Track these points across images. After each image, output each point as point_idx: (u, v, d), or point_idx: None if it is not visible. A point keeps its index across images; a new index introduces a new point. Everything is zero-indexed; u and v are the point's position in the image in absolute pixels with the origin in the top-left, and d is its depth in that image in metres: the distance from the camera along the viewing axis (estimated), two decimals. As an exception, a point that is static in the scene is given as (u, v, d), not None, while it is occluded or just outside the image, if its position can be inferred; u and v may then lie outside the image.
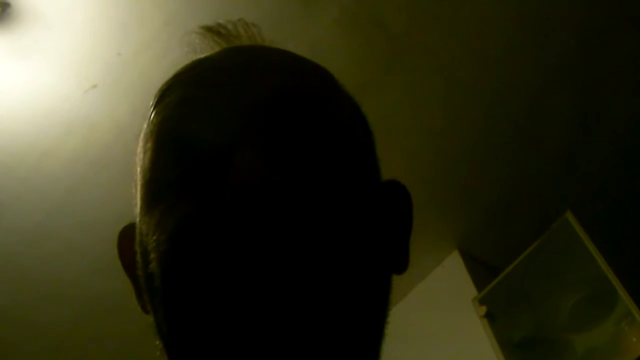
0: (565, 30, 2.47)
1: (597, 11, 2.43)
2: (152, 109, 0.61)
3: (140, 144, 0.62)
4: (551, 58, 2.53)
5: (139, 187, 0.61)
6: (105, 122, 2.29)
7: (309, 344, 0.47)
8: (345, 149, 0.56)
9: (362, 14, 2.26)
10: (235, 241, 0.47)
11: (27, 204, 2.42)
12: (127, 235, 0.65)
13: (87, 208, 2.48)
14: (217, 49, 0.67)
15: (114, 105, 2.26)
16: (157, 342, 0.56)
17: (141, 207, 0.59)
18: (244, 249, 0.47)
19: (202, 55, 0.65)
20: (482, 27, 2.39)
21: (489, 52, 2.47)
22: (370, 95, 2.37)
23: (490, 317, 2.65)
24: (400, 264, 0.64)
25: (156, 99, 0.61)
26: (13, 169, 2.32)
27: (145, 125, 0.62)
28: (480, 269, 3.07)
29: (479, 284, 2.87)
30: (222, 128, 0.53)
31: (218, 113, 0.54)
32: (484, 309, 2.66)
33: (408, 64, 2.43)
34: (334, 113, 0.58)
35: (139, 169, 0.62)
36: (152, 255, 0.53)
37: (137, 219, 0.60)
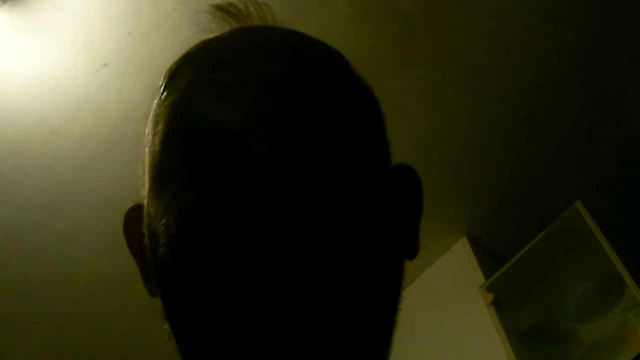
0: (579, 20, 2.45)
1: (612, 0, 2.42)
2: (162, 90, 0.60)
3: (149, 124, 0.62)
4: (565, 47, 2.52)
5: (147, 169, 0.60)
6: (116, 101, 2.29)
7: (323, 332, 0.47)
8: (357, 135, 0.56)
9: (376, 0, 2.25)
10: (247, 227, 0.47)
11: (36, 182, 2.42)
12: (133, 216, 0.65)
13: (96, 187, 2.49)
14: (227, 28, 0.66)
15: (125, 84, 2.26)
16: (165, 327, 0.56)
17: (149, 189, 0.58)
18: (256, 235, 0.47)
19: (213, 35, 0.64)
20: (495, 15, 2.38)
21: (503, 40, 2.46)
22: (382, 80, 2.36)
23: (497, 304, 2.64)
24: (411, 249, 0.64)
25: (166, 80, 0.61)
26: (23, 147, 2.33)
27: (154, 105, 0.61)
28: (488, 257, 3.06)
29: (487, 271, 2.86)
30: (233, 112, 0.53)
31: (230, 97, 0.54)
32: (491, 297, 2.66)
33: (421, 51, 2.42)
34: (346, 98, 0.57)
35: (147, 150, 0.61)
36: (161, 240, 0.53)
37: (145, 201, 0.59)
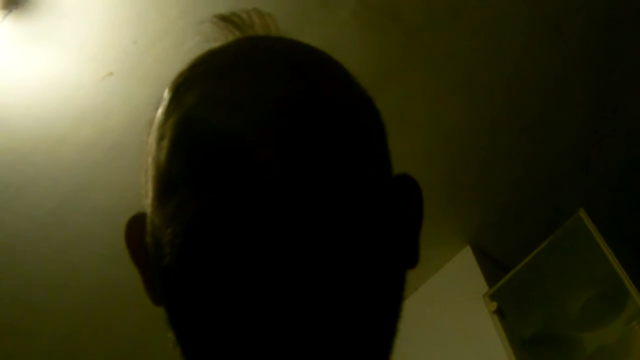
0: (582, 26, 2.46)
1: (615, 5, 2.42)
2: (167, 102, 0.61)
3: (153, 136, 0.62)
4: (568, 53, 2.52)
5: (150, 178, 0.61)
6: (121, 110, 2.30)
7: (325, 344, 0.47)
8: (359, 147, 0.56)
9: (379, 8, 2.25)
10: (252, 237, 0.47)
11: (42, 190, 2.43)
12: (135, 225, 0.65)
13: (101, 195, 2.49)
14: (230, 38, 0.66)
15: (130, 93, 2.26)
16: (170, 335, 0.56)
17: (154, 199, 0.58)
18: (263, 244, 0.47)
19: (216, 46, 0.64)
20: (498, 22, 2.38)
21: (506, 47, 2.46)
22: (385, 88, 2.37)
23: (500, 313, 2.64)
24: (411, 258, 0.64)
25: (171, 93, 0.61)
26: (28, 155, 2.33)
27: (158, 117, 0.61)
28: (492, 265, 3.06)
29: (490, 279, 2.86)
30: (239, 126, 0.53)
31: (235, 112, 0.54)
32: (494, 305, 2.66)
33: (424, 59, 2.43)
34: (349, 112, 0.58)
35: (150, 160, 0.62)
36: (167, 249, 0.53)
37: (149, 210, 0.60)
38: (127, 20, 2.12)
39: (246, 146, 0.52)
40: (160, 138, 0.59)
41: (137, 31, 2.15)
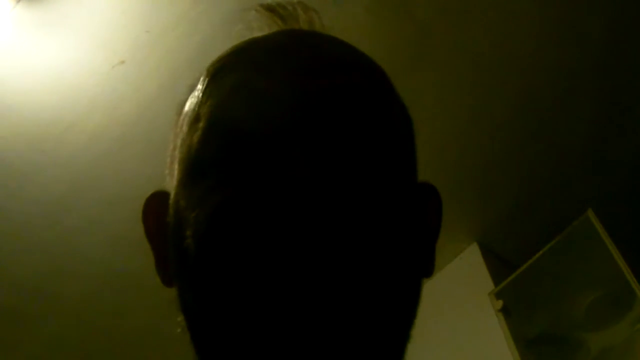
0: (594, 28, 2.45)
1: (627, 8, 2.41)
2: (204, 86, 0.61)
3: (187, 117, 0.62)
4: (579, 54, 2.52)
5: (179, 160, 0.60)
6: (131, 99, 2.30)
7: (342, 341, 0.47)
8: (392, 153, 0.57)
9: (392, 4, 2.25)
10: (277, 231, 0.47)
11: (50, 177, 2.43)
12: (154, 202, 0.65)
13: (109, 183, 2.49)
14: (274, 28, 0.67)
15: (141, 82, 2.26)
16: (180, 319, 0.56)
17: (180, 180, 0.58)
18: (285, 240, 0.47)
19: (259, 34, 0.65)
20: (511, 20, 2.38)
21: (518, 47, 2.45)
22: (396, 84, 2.36)
23: (506, 311, 2.64)
24: (428, 267, 0.65)
25: (209, 76, 0.61)
26: (37, 141, 2.34)
27: (196, 96, 0.61)
28: (498, 263, 3.06)
29: (497, 278, 2.86)
30: (275, 120, 0.53)
31: (273, 105, 0.54)
32: (500, 303, 2.65)
33: (436, 56, 2.42)
34: (387, 116, 0.58)
35: (179, 141, 0.62)
36: (189, 232, 0.53)
37: (174, 191, 0.60)
38: (139, 8, 2.12)
39: (281, 140, 0.52)
40: (196, 119, 0.59)
41: (149, 20, 2.15)
